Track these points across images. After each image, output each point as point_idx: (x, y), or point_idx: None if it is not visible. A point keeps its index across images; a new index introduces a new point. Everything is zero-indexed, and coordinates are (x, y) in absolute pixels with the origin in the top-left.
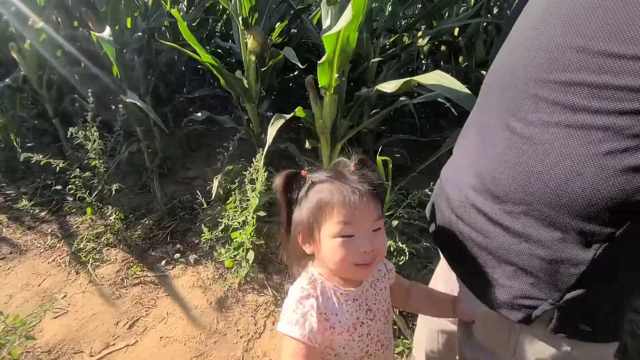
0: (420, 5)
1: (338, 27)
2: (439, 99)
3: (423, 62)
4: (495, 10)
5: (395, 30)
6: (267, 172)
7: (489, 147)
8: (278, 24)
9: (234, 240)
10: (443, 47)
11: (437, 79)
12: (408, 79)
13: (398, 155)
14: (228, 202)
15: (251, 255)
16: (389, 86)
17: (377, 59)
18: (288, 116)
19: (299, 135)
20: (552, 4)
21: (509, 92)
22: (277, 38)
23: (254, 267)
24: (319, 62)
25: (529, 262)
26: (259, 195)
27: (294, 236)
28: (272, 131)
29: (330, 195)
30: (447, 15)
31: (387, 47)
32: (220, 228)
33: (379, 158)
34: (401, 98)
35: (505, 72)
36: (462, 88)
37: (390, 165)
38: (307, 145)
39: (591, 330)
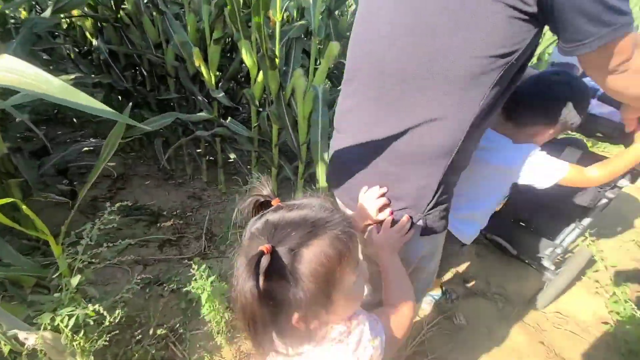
0: None
1: None
2: None
3: (94, 42)
4: None
5: None
6: None
7: (387, 120)
8: None
9: None
10: (105, 24)
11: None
12: None
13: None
14: None
15: None
16: None
17: None
18: None
19: None
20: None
21: (395, 76)
22: None
23: None
24: None
25: (409, 194)
26: None
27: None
28: None
29: (337, 257)
30: None
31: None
32: None
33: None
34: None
35: (375, 59)
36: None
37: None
38: None
39: (439, 226)
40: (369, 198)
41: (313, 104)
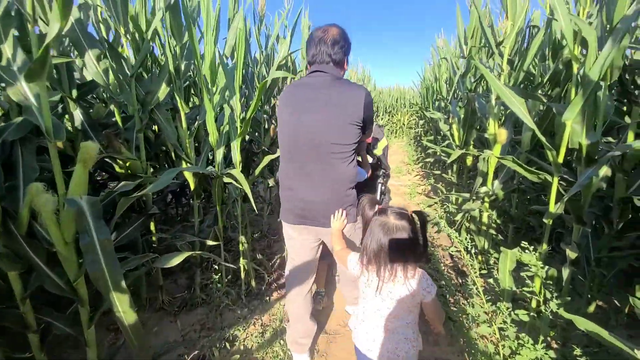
0: None
1: None
2: None
3: None
4: None
5: None
6: None
7: (315, 173)
8: None
9: None
10: None
11: None
12: None
13: None
14: None
15: None
16: None
17: None
18: None
19: None
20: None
21: (314, 152)
22: None
23: None
24: None
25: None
26: None
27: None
28: None
29: None
30: None
31: None
32: None
33: None
34: None
35: (307, 144)
36: None
37: None
38: None
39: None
40: (338, 218)
41: (80, 222)
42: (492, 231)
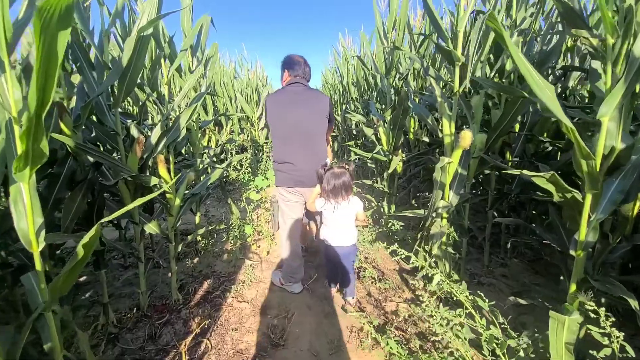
0: None
1: None
2: None
3: None
4: None
5: None
6: None
7: (304, 150)
8: None
9: None
10: None
11: None
12: None
13: None
14: None
15: None
16: None
17: None
18: None
19: None
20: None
21: (304, 137)
22: None
23: None
24: None
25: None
26: None
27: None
28: None
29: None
30: None
31: None
32: None
33: None
34: None
35: (298, 131)
36: None
37: None
38: None
39: None
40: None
41: None
42: (450, 249)
